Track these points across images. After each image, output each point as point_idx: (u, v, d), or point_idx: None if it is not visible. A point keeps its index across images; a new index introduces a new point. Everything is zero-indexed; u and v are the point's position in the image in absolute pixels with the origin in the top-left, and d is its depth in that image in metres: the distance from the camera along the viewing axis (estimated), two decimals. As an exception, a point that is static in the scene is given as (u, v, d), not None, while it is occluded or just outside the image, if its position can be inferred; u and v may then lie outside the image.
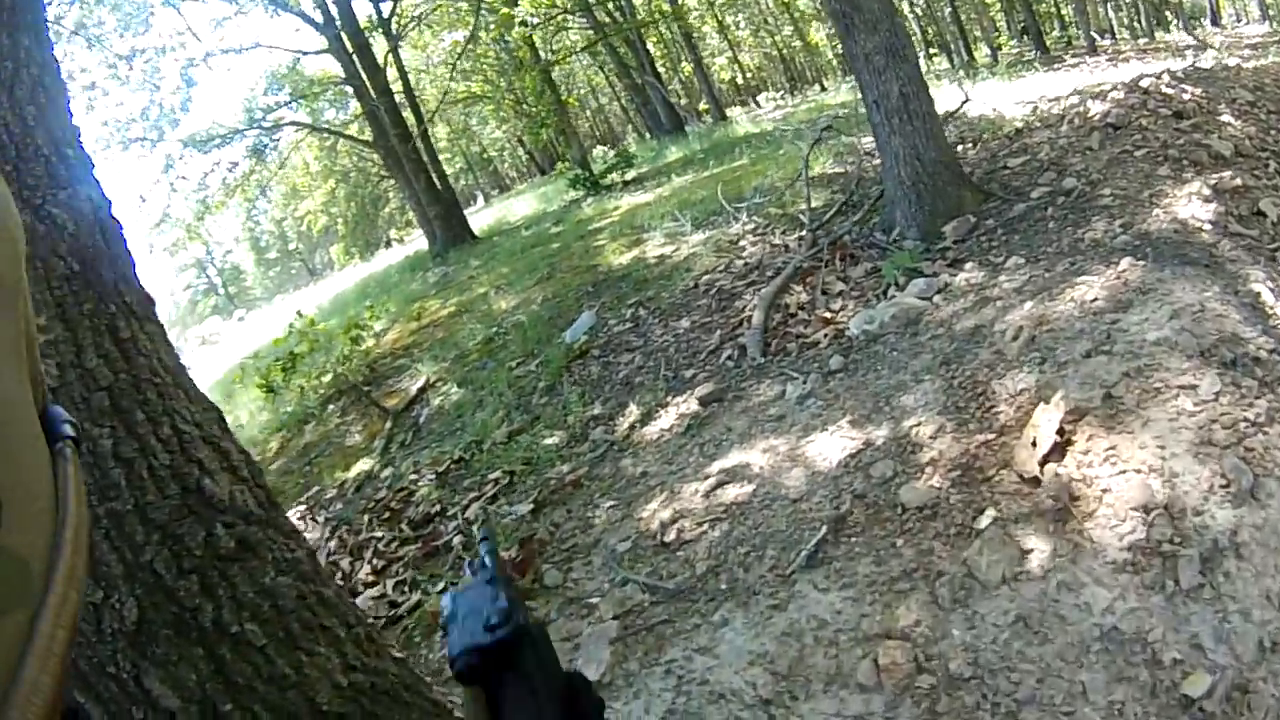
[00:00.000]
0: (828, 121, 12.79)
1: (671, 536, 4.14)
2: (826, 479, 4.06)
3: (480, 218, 25.82)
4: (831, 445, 4.34)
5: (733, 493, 4.31)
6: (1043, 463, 3.36)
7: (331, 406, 10.88)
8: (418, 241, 24.14)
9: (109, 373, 2.22)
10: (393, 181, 27.38)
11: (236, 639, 2.17)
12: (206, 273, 53.58)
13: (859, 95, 7.89)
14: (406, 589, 4.77)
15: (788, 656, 3.07)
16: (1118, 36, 23.53)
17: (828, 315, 5.93)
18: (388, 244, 38.28)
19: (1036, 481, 3.36)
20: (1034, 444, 3.43)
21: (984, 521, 3.28)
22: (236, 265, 56.89)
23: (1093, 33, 22.17)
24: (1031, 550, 3.08)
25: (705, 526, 4.10)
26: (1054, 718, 2.56)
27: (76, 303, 2.21)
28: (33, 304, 0.71)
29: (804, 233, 7.39)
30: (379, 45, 19.50)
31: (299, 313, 11.71)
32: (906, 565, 3.29)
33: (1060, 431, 3.41)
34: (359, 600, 4.79)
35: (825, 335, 5.66)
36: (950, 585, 3.09)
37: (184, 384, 2.40)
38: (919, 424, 4.10)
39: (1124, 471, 3.14)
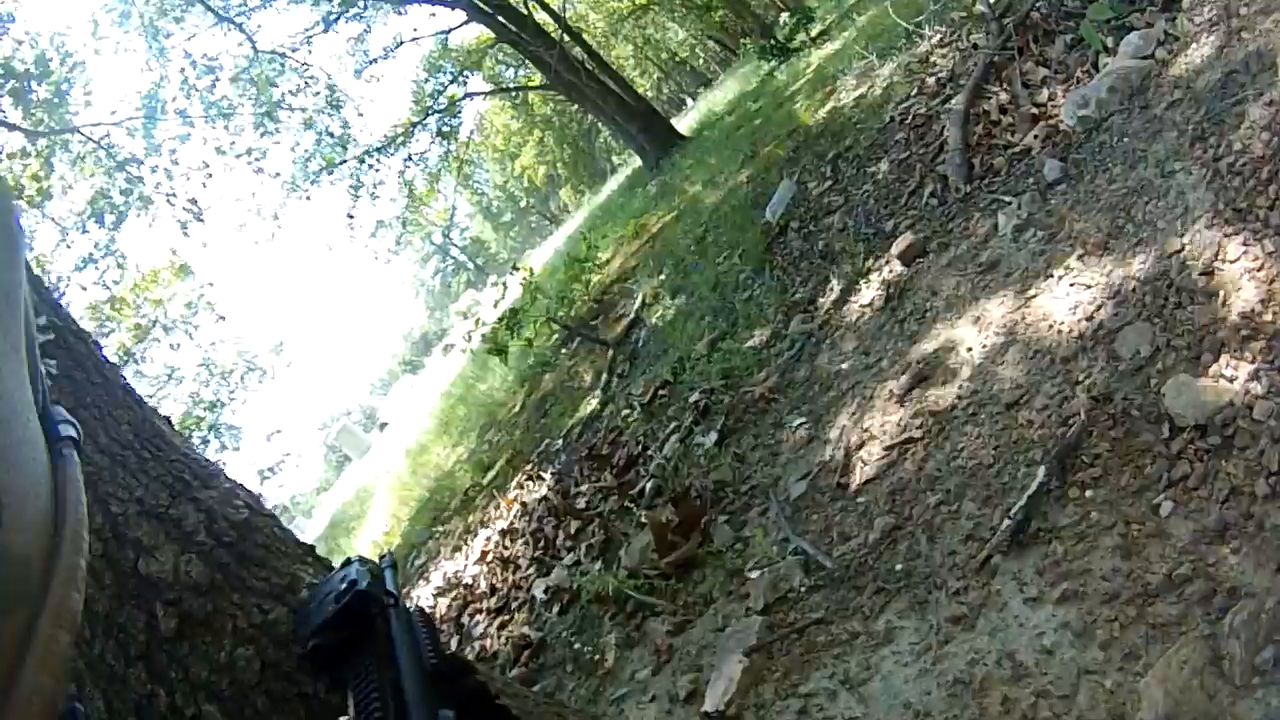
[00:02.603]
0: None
1: (854, 475, 3.31)
2: (1054, 364, 2.96)
3: (688, 119, 25.32)
4: (1060, 302, 3.21)
5: (932, 396, 3.38)
6: None
7: (565, 350, 10.82)
8: (635, 161, 23.97)
9: None
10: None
11: None
12: (450, 254, 55.95)
13: None
14: (595, 553, 4.32)
15: (957, 730, 2.03)
16: None
17: (1035, 111, 4.74)
18: (612, 170, 38.38)
19: None
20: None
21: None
22: (476, 237, 58.93)
23: None
24: None
25: (894, 454, 3.23)
26: None
27: None
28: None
29: (990, 24, 6.11)
30: (515, -2, 19.06)
31: (515, 266, 11.73)
32: (1175, 562, 1.98)
33: None
34: (554, 573, 4.38)
35: (1036, 136, 4.50)
36: (1254, 626, 1.71)
37: (125, 460, 2.16)
38: (1183, 248, 2.77)
39: None
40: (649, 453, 5.10)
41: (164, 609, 1.99)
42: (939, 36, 7.67)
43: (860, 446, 3.44)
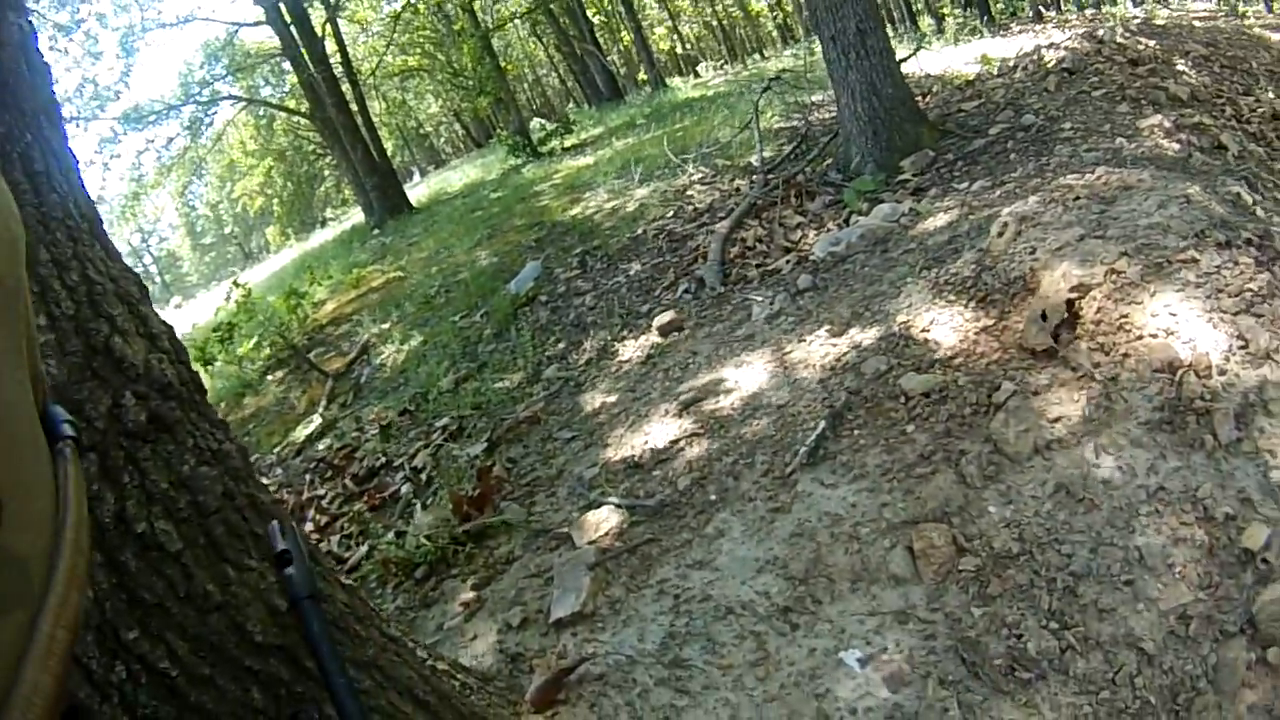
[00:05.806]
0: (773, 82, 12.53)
1: (645, 457, 3.82)
2: (813, 384, 3.80)
3: (417, 191, 25.14)
4: (813, 352, 4.09)
5: (709, 407, 4.01)
6: (1054, 335, 3.22)
7: (270, 376, 10.44)
8: (354, 217, 23.54)
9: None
10: (329, 159, 26.69)
11: (144, 541, 1.67)
12: (142, 260, 52.18)
13: (807, 54, 7.72)
14: (353, 542, 4.48)
15: (802, 559, 2.79)
16: (1064, 7, 23.66)
17: (787, 244, 5.69)
18: (323, 223, 37.33)
19: (1051, 354, 3.19)
20: (1044, 317, 3.27)
21: (1002, 395, 3.10)
22: (172, 252, 55.46)
23: (1039, 5, 22.38)
24: (1060, 418, 2.91)
25: (683, 443, 3.80)
26: (1114, 588, 2.37)
27: None
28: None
29: (756, 175, 7.14)
30: (317, 15, 18.95)
31: (235, 282, 11.36)
32: (922, 449, 3.07)
33: (1068, 304, 3.26)
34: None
35: (788, 261, 5.41)
36: (978, 462, 2.88)
37: (101, 237, 1.95)
38: (909, 320, 3.88)
39: (1140, 337, 2.97)
40: (395, 465, 5.28)
41: (135, 400, 1.74)
42: (700, 175, 8.67)
43: (644, 444, 3.91)
